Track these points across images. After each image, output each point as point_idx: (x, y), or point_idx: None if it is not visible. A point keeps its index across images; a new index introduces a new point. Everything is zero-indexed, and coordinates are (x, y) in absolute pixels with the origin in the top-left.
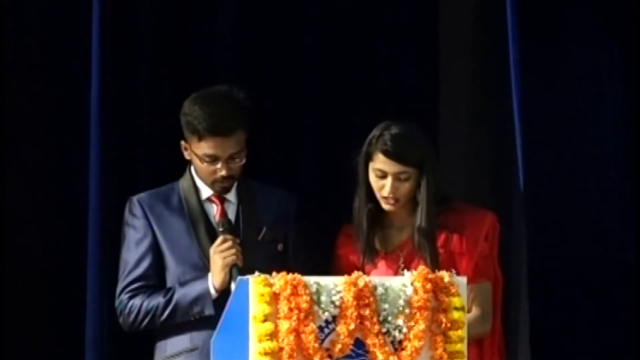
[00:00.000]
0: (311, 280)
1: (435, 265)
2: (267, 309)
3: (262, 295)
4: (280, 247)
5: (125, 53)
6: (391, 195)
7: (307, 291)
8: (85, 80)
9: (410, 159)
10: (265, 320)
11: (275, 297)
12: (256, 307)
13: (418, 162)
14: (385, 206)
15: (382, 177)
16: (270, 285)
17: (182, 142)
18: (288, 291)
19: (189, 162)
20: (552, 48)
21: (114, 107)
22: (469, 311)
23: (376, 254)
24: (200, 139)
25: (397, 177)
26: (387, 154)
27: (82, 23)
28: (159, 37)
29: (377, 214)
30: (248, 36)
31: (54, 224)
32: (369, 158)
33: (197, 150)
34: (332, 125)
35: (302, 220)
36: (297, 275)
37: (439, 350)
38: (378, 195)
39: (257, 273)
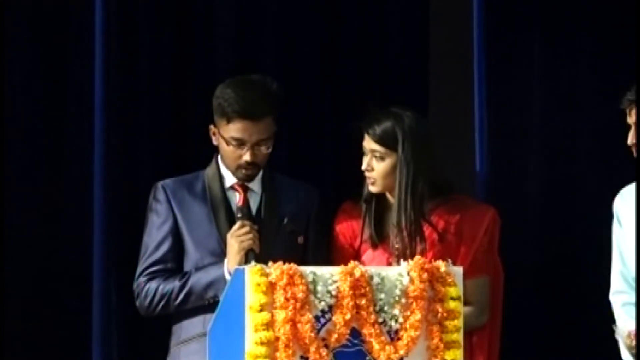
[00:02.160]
0: (307, 270)
1: (405, 253)
2: (263, 299)
3: (259, 284)
4: (300, 239)
5: (128, 52)
6: (367, 173)
7: (304, 281)
8: (89, 79)
9: (382, 138)
10: (261, 310)
11: (271, 287)
12: (252, 296)
13: (392, 144)
14: (369, 187)
15: (365, 154)
16: (267, 275)
17: (211, 127)
18: (284, 281)
19: (215, 151)
20: (516, 41)
21: (117, 106)
22: (467, 304)
23: (379, 236)
24: (229, 121)
25: (373, 155)
26: (366, 130)
27: (84, 18)
28: (161, 34)
29: (382, 199)
30: (247, 32)
31: (59, 220)
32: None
33: (225, 133)
34: (330, 119)
35: (323, 215)
36: (293, 265)
37: (435, 340)
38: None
39: (270, 263)
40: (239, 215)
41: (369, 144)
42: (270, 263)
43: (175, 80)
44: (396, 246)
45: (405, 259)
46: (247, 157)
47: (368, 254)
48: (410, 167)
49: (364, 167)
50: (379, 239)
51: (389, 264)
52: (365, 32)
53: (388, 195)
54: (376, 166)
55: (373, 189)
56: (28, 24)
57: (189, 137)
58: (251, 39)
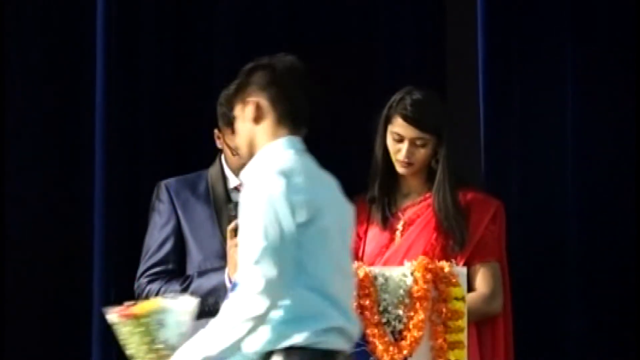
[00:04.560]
0: None
1: (462, 238)
2: None
3: None
4: None
5: (129, 53)
6: (406, 160)
7: None
8: (90, 79)
9: (427, 125)
10: None
11: None
12: None
13: (436, 129)
14: (400, 169)
15: (399, 140)
16: None
17: (216, 131)
18: None
19: (219, 151)
20: (518, 44)
21: (119, 106)
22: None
23: (389, 215)
24: (234, 132)
25: (413, 142)
26: (405, 118)
27: (86, 19)
28: (162, 34)
29: (392, 181)
30: (249, 33)
31: (59, 220)
32: (388, 121)
33: (230, 142)
34: (336, 118)
35: None
36: None
37: (439, 340)
38: (393, 158)
39: None
40: (233, 213)
41: (408, 132)
42: None
43: (177, 81)
44: (402, 223)
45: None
46: None
47: (371, 232)
48: (448, 146)
49: (403, 156)
50: (386, 218)
51: (392, 239)
52: (372, 31)
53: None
54: (417, 153)
55: (405, 171)
56: (30, 26)
57: (190, 137)
58: (254, 39)
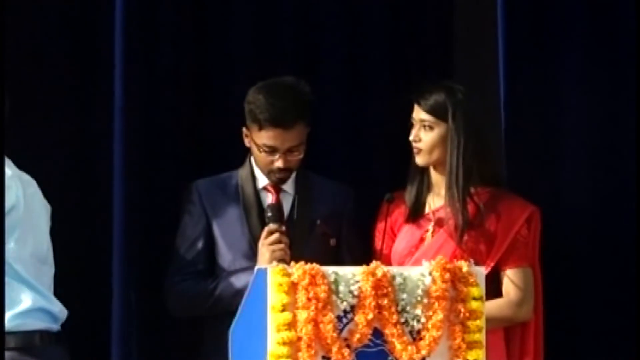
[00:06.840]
0: (329, 270)
1: (461, 227)
2: (285, 299)
3: (281, 285)
4: (332, 241)
5: (148, 52)
6: (414, 144)
7: (326, 281)
8: (109, 76)
9: (433, 107)
10: (283, 310)
11: (293, 287)
12: (274, 296)
13: (442, 114)
14: (416, 159)
15: (413, 125)
16: (289, 274)
17: (244, 129)
18: (306, 281)
19: (248, 152)
20: (540, 47)
21: (138, 106)
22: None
23: (416, 212)
24: (260, 128)
25: (422, 125)
26: (415, 99)
27: (105, 18)
28: (179, 34)
29: (425, 179)
30: (266, 29)
31: (79, 219)
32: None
33: (257, 139)
34: (353, 121)
35: (357, 215)
36: (315, 265)
37: (457, 340)
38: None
39: (292, 263)
40: (269, 215)
41: (418, 113)
42: (292, 263)
43: (196, 80)
44: (432, 223)
45: (456, 229)
46: (279, 163)
47: (402, 231)
48: (462, 138)
49: (411, 137)
50: (415, 215)
51: (422, 239)
52: (390, 31)
53: (432, 171)
54: (424, 136)
55: (419, 160)
56: (48, 27)
57: (209, 137)
58: (269, 36)
